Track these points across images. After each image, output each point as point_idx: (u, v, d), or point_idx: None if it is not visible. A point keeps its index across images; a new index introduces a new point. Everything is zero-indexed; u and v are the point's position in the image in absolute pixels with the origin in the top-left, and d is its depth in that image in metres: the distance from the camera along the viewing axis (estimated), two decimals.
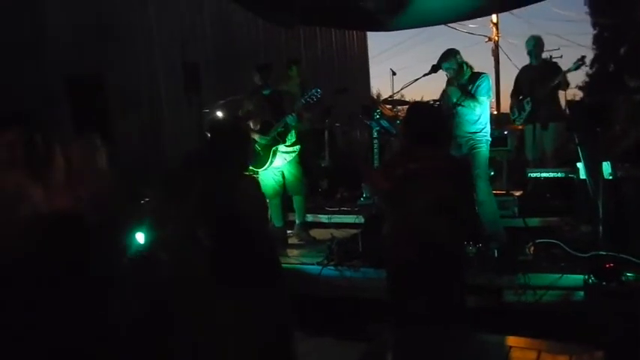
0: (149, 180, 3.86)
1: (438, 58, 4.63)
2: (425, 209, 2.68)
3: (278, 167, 5.15)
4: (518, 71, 6.21)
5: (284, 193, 5.30)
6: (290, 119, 4.99)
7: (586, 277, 3.73)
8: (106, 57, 6.05)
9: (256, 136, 4.97)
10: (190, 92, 5.44)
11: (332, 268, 4.47)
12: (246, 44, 8.97)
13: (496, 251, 4.31)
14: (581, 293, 3.73)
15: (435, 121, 2.98)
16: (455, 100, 4.50)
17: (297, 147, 5.20)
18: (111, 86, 5.37)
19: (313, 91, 5.05)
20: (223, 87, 7.18)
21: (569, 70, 5.63)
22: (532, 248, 4.40)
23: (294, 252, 5.13)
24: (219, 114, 5.74)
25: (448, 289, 2.69)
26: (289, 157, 5.15)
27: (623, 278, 3.69)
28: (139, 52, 6.83)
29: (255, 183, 2.74)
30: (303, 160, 5.34)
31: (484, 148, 4.57)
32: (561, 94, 6.01)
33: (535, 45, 5.83)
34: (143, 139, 6.79)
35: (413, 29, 9.02)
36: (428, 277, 2.63)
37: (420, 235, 2.69)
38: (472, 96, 4.48)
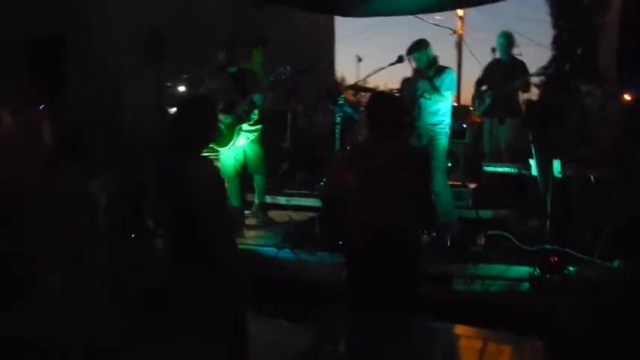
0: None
1: (406, 48, 4.67)
2: (385, 199, 2.72)
3: (240, 146, 5.12)
4: (480, 65, 6.31)
5: (243, 173, 5.27)
6: (257, 98, 4.97)
7: (532, 269, 3.89)
8: (67, 18, 5.78)
9: (221, 115, 4.91)
10: (151, 61, 5.31)
11: (288, 250, 4.49)
12: (211, 17, 8.77)
13: (449, 241, 4.44)
14: (526, 285, 3.88)
15: (396, 112, 3.01)
16: (422, 92, 4.56)
17: (259, 126, 5.18)
18: (71, 48, 5.15)
19: (282, 69, 5.02)
20: (184, 59, 7.01)
21: (532, 75, 5.73)
22: (483, 239, 4.55)
23: (251, 233, 5.12)
24: (182, 89, 5.61)
25: (403, 278, 2.75)
26: (252, 136, 5.13)
27: (566, 272, 3.87)
28: (101, 15, 6.57)
29: (211, 163, 2.72)
30: (264, 141, 5.31)
31: (443, 140, 4.67)
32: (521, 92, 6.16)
33: (505, 41, 5.89)
34: (100, 104, 6.56)
35: (380, 17, 9.01)
36: (384, 265, 2.68)
37: (378, 224, 2.73)
38: (437, 89, 4.55)
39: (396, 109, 3.04)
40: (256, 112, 5.10)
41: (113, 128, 6.42)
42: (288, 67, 5.04)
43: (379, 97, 3.42)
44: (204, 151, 2.85)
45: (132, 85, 6.75)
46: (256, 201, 5.45)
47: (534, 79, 6.29)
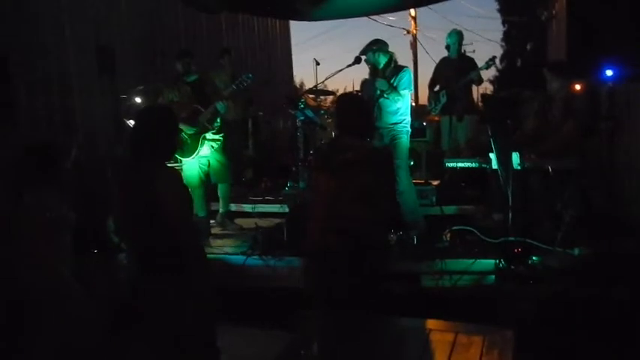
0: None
1: (361, 48, 4.71)
2: (350, 198, 2.74)
3: (205, 156, 5.08)
4: (434, 63, 6.45)
5: (207, 182, 5.22)
6: (220, 106, 4.94)
7: (497, 261, 3.97)
8: (13, 37, 5.61)
9: (183, 125, 4.83)
10: (104, 77, 5.22)
11: (256, 257, 4.46)
12: (164, 31, 8.64)
13: (415, 238, 4.49)
14: (492, 277, 3.96)
15: (362, 113, 3.08)
16: (381, 91, 4.60)
17: (222, 134, 5.16)
18: (18, 67, 5.01)
19: (244, 76, 5.01)
20: (139, 73, 6.88)
21: (481, 69, 5.92)
22: (448, 235, 4.62)
23: (218, 242, 5.07)
24: (138, 100, 5.50)
25: (369, 276, 2.77)
26: (216, 144, 5.11)
27: (530, 262, 3.96)
28: (47, 33, 6.39)
29: (178, 174, 2.68)
30: (227, 150, 5.28)
31: (404, 139, 4.72)
32: (474, 87, 6.33)
33: (456, 39, 6.05)
34: (52, 122, 6.38)
35: (335, 20, 9.09)
36: (349, 265, 2.70)
37: (343, 223, 2.75)
38: (395, 89, 4.61)
39: (362, 109, 3.12)
40: (219, 120, 5.07)
41: (70, 145, 6.23)
42: (250, 75, 5.02)
43: (347, 96, 3.52)
44: (169, 161, 2.81)
45: (86, 100, 6.58)
46: (221, 210, 5.41)
47: (488, 75, 6.52)
